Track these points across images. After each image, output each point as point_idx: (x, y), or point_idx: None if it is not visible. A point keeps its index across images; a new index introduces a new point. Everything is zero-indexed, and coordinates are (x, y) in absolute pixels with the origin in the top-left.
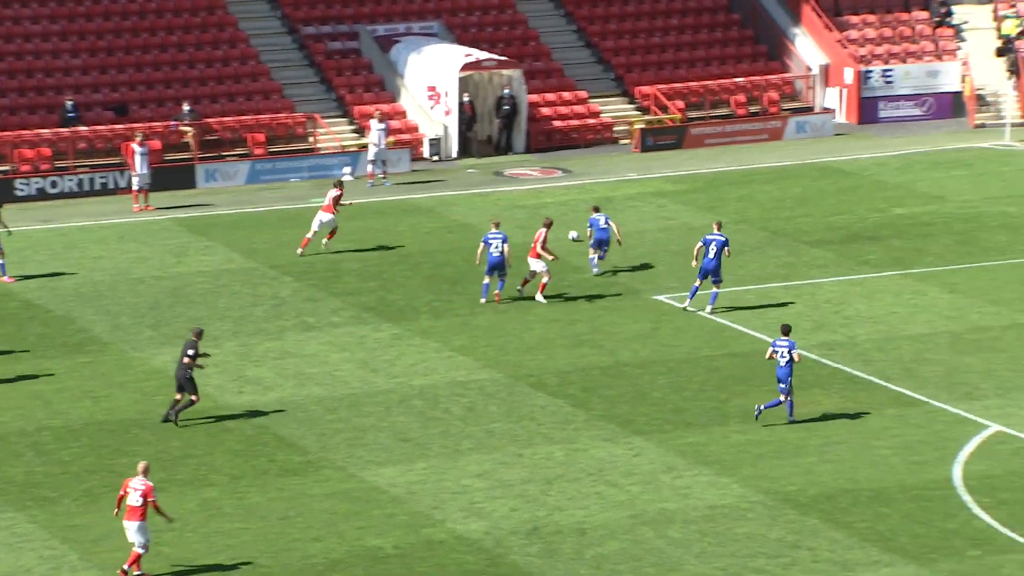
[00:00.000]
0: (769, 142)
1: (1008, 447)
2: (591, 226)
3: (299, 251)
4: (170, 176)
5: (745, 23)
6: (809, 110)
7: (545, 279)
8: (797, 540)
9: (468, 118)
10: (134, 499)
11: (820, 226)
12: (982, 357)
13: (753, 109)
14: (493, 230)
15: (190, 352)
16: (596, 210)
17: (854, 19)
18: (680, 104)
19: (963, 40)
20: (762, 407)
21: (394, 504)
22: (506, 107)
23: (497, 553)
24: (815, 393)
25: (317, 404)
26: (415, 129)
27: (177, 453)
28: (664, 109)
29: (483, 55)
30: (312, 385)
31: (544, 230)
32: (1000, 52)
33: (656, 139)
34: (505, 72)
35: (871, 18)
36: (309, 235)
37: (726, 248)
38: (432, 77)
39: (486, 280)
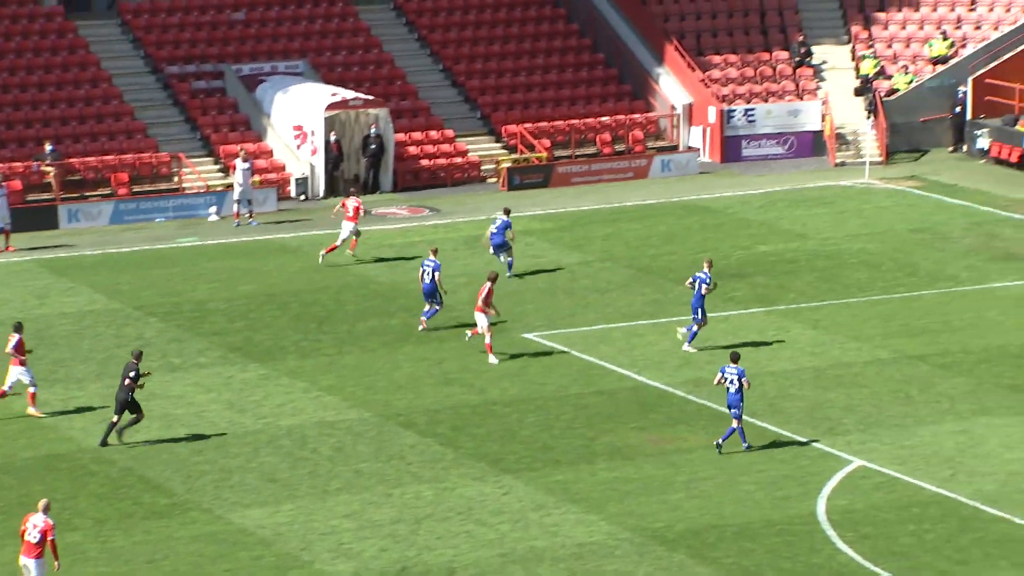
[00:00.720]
0: (635, 180)
1: (870, 482)
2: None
3: (321, 257)
4: (32, 217)
5: (610, 62)
6: (674, 149)
7: (487, 338)
8: None
9: (335, 157)
10: (32, 535)
11: (686, 263)
12: (844, 392)
13: (619, 148)
14: (430, 256)
15: (131, 374)
16: (507, 212)
17: (716, 59)
18: (546, 143)
19: (823, 80)
20: (720, 441)
21: (262, 546)
22: (373, 146)
23: None
24: (681, 430)
25: (183, 445)
26: (281, 168)
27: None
28: (531, 148)
29: (350, 94)
30: (178, 426)
31: (489, 284)
32: (859, 92)
33: (523, 178)
34: (372, 111)
35: (733, 58)
36: (337, 243)
37: (704, 286)
38: (298, 116)
39: (426, 307)
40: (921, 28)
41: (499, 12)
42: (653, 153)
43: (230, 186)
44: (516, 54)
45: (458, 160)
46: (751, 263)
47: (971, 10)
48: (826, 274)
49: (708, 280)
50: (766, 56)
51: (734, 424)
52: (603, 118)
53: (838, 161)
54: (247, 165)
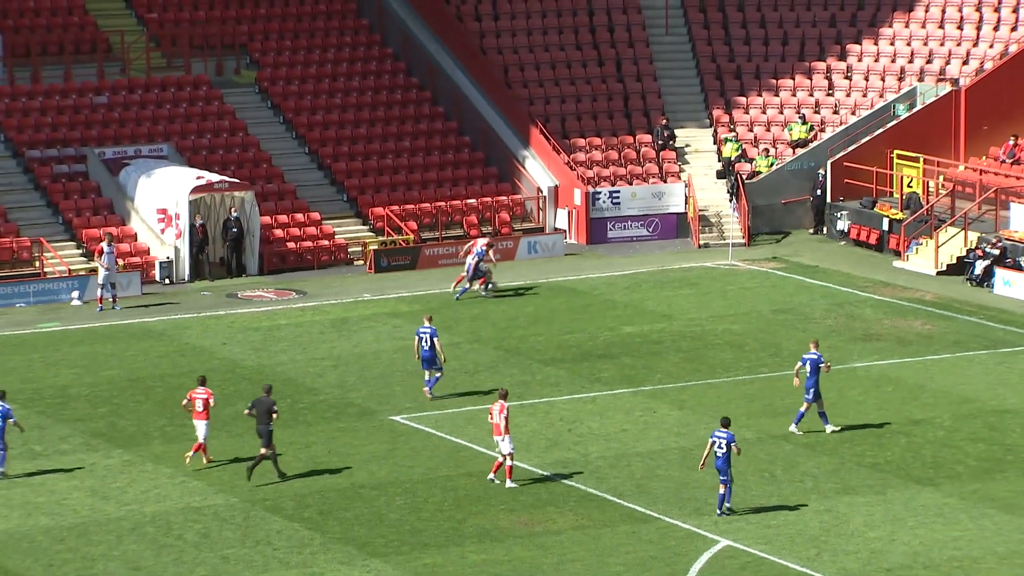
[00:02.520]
0: (502, 262)
1: (736, 561)
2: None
3: (454, 292)
4: None
5: (476, 146)
6: (540, 230)
7: (509, 462)
8: None
9: (200, 240)
10: None
11: (553, 344)
12: (711, 473)
13: (486, 229)
14: (425, 324)
15: (273, 408)
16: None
17: (581, 142)
18: (413, 225)
19: (686, 162)
20: (719, 510)
21: None
22: (233, 229)
23: None
24: (549, 511)
25: (44, 534)
26: (146, 252)
27: None
28: (397, 230)
29: (215, 177)
30: (39, 515)
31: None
32: (721, 174)
33: (390, 260)
34: (237, 194)
35: (597, 141)
36: (463, 273)
37: (821, 366)
38: (163, 199)
39: (426, 375)
40: (781, 112)
41: (365, 95)
42: (519, 235)
43: (93, 270)
44: (382, 136)
45: (325, 243)
46: (618, 344)
47: (829, 95)
48: (691, 354)
49: (822, 359)
50: (630, 139)
51: (721, 489)
52: (470, 200)
53: (702, 243)
54: (111, 249)
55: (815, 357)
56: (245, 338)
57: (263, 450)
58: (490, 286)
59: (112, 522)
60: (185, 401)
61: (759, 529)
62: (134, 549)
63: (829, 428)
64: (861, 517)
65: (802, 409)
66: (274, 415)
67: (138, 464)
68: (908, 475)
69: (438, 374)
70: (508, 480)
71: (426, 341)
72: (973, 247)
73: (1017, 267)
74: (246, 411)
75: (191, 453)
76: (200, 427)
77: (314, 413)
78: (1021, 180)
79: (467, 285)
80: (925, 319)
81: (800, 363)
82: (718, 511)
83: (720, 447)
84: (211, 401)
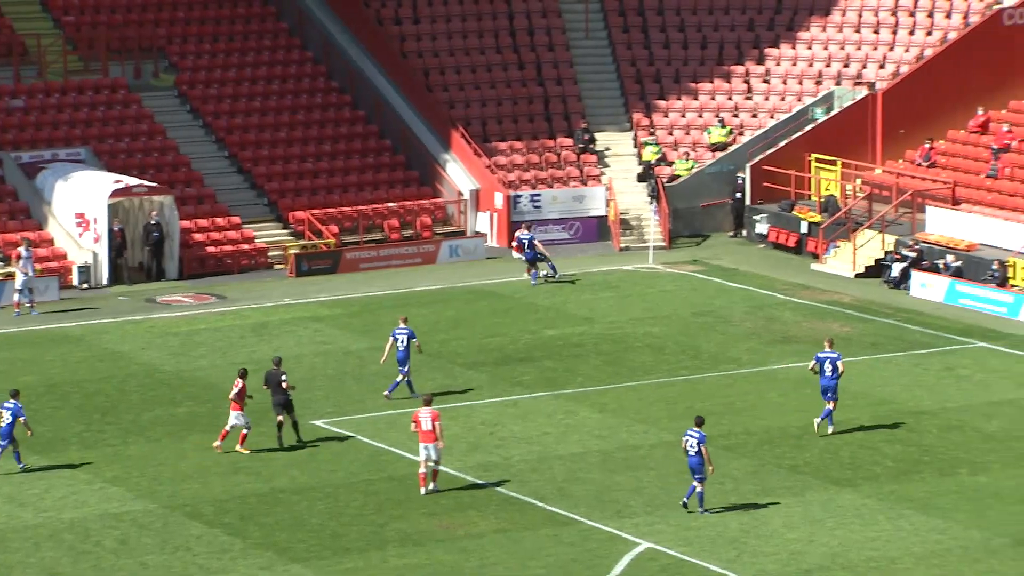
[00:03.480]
0: (423, 265)
1: (657, 563)
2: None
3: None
4: None
5: (397, 149)
6: (461, 234)
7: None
8: None
9: (118, 244)
10: None
11: (474, 348)
12: (631, 475)
13: (407, 233)
14: (401, 325)
15: (283, 378)
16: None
17: (502, 145)
18: (334, 229)
19: (606, 166)
20: (685, 499)
21: None
22: (155, 234)
23: None
24: (471, 515)
25: None
26: (63, 256)
27: None
28: (318, 234)
29: (133, 181)
30: None
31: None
32: (641, 178)
33: (311, 264)
34: (156, 198)
35: (518, 144)
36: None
37: (839, 363)
38: (81, 204)
39: (399, 377)
40: (700, 115)
41: (285, 99)
42: (441, 239)
43: (11, 275)
44: (303, 140)
45: (245, 247)
46: (539, 347)
47: (748, 98)
48: (612, 357)
49: (840, 358)
50: (550, 142)
51: (697, 487)
52: (391, 204)
53: (623, 246)
54: (29, 254)
55: (834, 356)
56: (164, 343)
57: (279, 418)
58: (543, 273)
59: (29, 529)
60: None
61: (679, 531)
62: (52, 556)
63: (830, 429)
64: (780, 518)
65: (829, 408)
66: (284, 384)
67: (55, 470)
68: (826, 476)
69: (400, 378)
70: (432, 484)
71: (402, 342)
72: (890, 250)
73: (933, 269)
74: (264, 386)
75: (239, 446)
76: (237, 417)
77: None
78: (937, 183)
79: (536, 271)
80: (843, 321)
81: (814, 361)
82: (700, 509)
83: (692, 447)
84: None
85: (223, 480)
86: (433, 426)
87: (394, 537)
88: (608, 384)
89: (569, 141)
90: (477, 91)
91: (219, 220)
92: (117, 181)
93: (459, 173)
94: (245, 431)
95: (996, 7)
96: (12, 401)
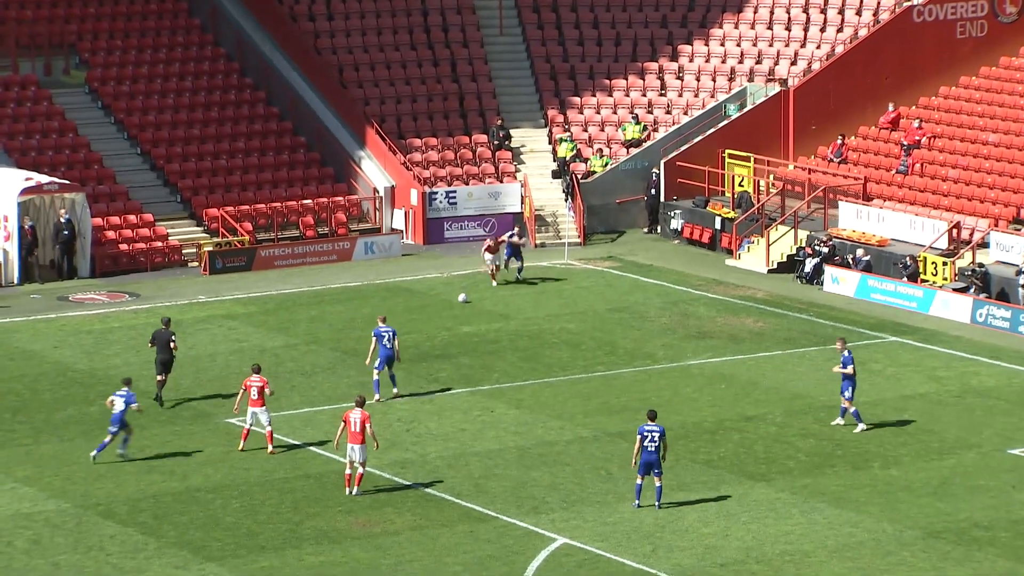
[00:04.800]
0: (339, 263)
1: (573, 559)
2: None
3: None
4: None
5: (312, 146)
6: (377, 231)
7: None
8: None
9: (29, 243)
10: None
11: None
12: (548, 471)
13: (322, 230)
14: (381, 325)
15: (173, 339)
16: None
17: (417, 142)
18: (248, 226)
19: (522, 162)
20: (656, 503)
21: None
22: (65, 232)
23: None
24: (387, 512)
25: None
26: None
27: None
28: (232, 231)
29: (44, 178)
30: None
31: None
32: (556, 174)
33: (225, 261)
34: (68, 195)
35: (433, 141)
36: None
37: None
38: None
39: (376, 376)
40: (615, 112)
41: (198, 96)
42: (356, 235)
43: None
44: (216, 137)
45: (158, 244)
46: (455, 344)
47: (662, 95)
48: (528, 354)
49: (851, 357)
50: (466, 139)
51: (656, 481)
52: (306, 201)
53: (538, 242)
54: None
55: (846, 356)
56: (77, 341)
57: (159, 377)
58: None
59: None
60: (241, 392)
61: (596, 527)
62: None
63: (836, 421)
64: (695, 513)
65: (853, 409)
66: (172, 345)
67: None
68: (741, 471)
69: (376, 376)
70: (356, 488)
71: (388, 339)
72: (803, 245)
73: (846, 265)
74: (150, 343)
75: (270, 446)
76: (261, 415)
77: (148, 416)
78: (848, 179)
79: (515, 266)
80: (757, 317)
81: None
82: (656, 504)
83: (652, 441)
84: (267, 389)
85: (137, 479)
86: (362, 428)
87: (310, 535)
88: (524, 380)
89: (484, 138)
90: (392, 88)
91: (132, 218)
92: (28, 179)
93: (374, 170)
94: (269, 428)
95: (906, 4)
96: (125, 389)
